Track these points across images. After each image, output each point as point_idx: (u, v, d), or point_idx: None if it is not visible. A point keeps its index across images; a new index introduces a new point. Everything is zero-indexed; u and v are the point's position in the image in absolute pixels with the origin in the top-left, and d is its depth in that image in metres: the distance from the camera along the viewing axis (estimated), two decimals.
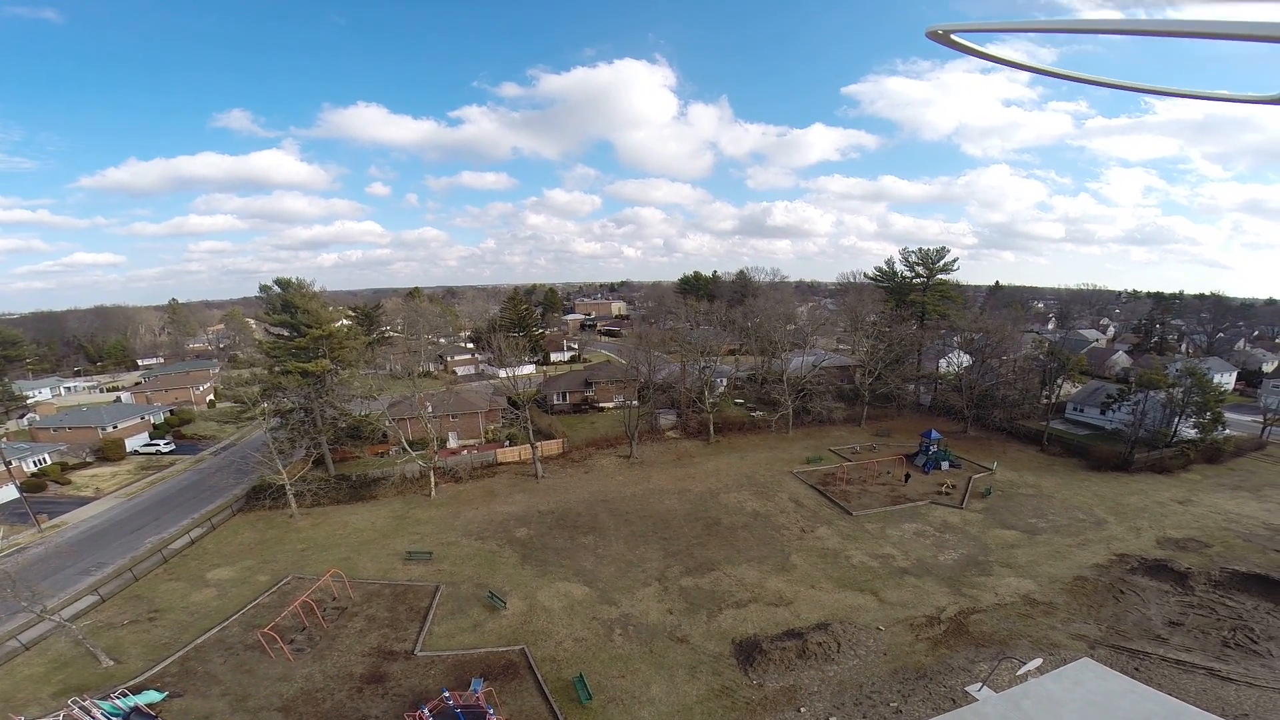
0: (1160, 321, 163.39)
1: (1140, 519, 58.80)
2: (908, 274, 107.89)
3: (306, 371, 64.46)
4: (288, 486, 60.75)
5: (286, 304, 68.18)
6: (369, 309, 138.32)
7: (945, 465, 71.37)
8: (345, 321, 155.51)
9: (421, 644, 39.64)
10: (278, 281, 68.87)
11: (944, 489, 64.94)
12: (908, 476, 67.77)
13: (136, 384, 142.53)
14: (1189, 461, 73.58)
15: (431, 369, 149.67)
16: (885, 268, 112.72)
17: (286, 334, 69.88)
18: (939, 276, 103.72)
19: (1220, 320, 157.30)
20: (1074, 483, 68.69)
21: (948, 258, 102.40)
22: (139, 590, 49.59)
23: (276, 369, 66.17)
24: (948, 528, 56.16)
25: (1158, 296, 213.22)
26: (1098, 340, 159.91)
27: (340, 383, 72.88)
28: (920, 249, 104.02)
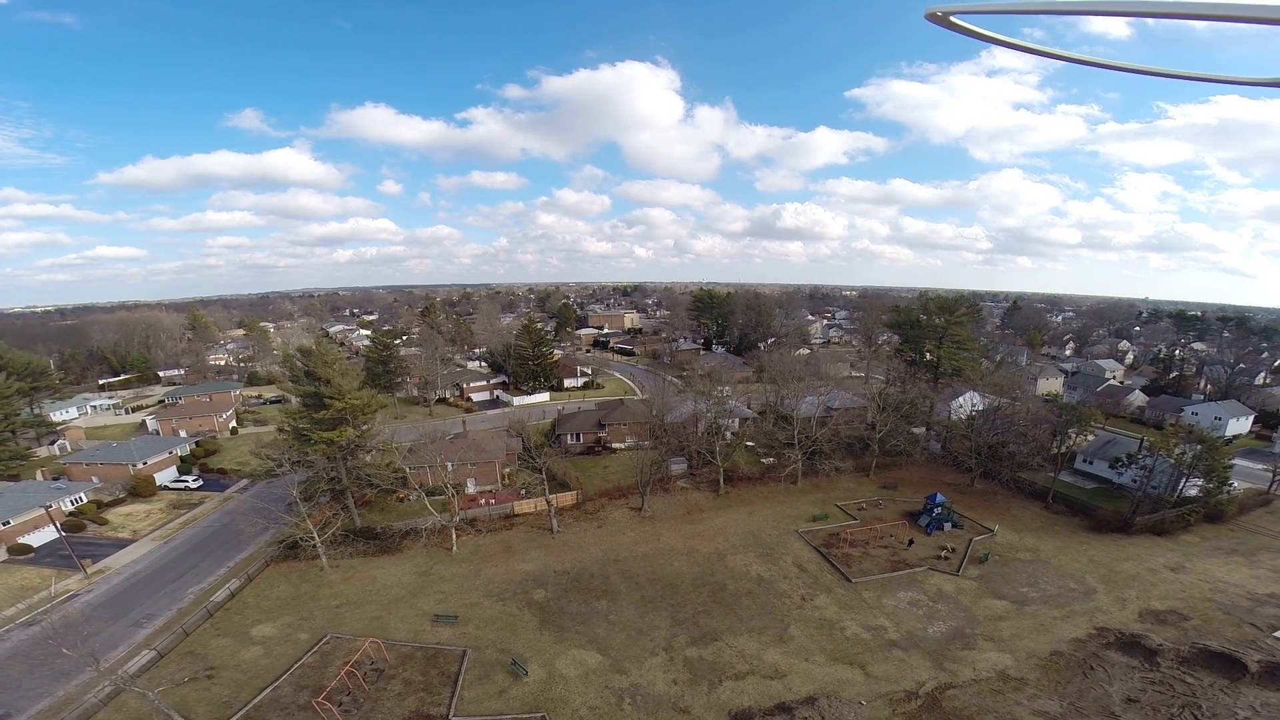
0: (1180, 353, 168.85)
1: (1129, 588, 65.60)
2: (924, 318, 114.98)
3: (331, 440, 73.07)
4: (319, 546, 69.23)
5: (309, 373, 76.78)
6: (387, 338, 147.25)
7: (948, 526, 78.36)
8: (366, 339, 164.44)
9: (454, 709, 47.68)
10: (300, 349, 77.41)
11: (944, 553, 72.04)
12: (911, 541, 74.87)
13: (160, 403, 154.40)
14: (1189, 525, 79.88)
15: (448, 396, 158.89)
16: (902, 316, 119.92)
17: (310, 400, 78.26)
18: (954, 328, 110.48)
19: (1242, 346, 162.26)
20: (1072, 546, 75.45)
21: (963, 309, 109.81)
22: (191, 646, 58.08)
23: (303, 441, 74.68)
24: (941, 597, 63.37)
25: (1179, 317, 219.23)
26: (1113, 377, 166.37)
27: (363, 437, 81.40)
28: (939, 296, 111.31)
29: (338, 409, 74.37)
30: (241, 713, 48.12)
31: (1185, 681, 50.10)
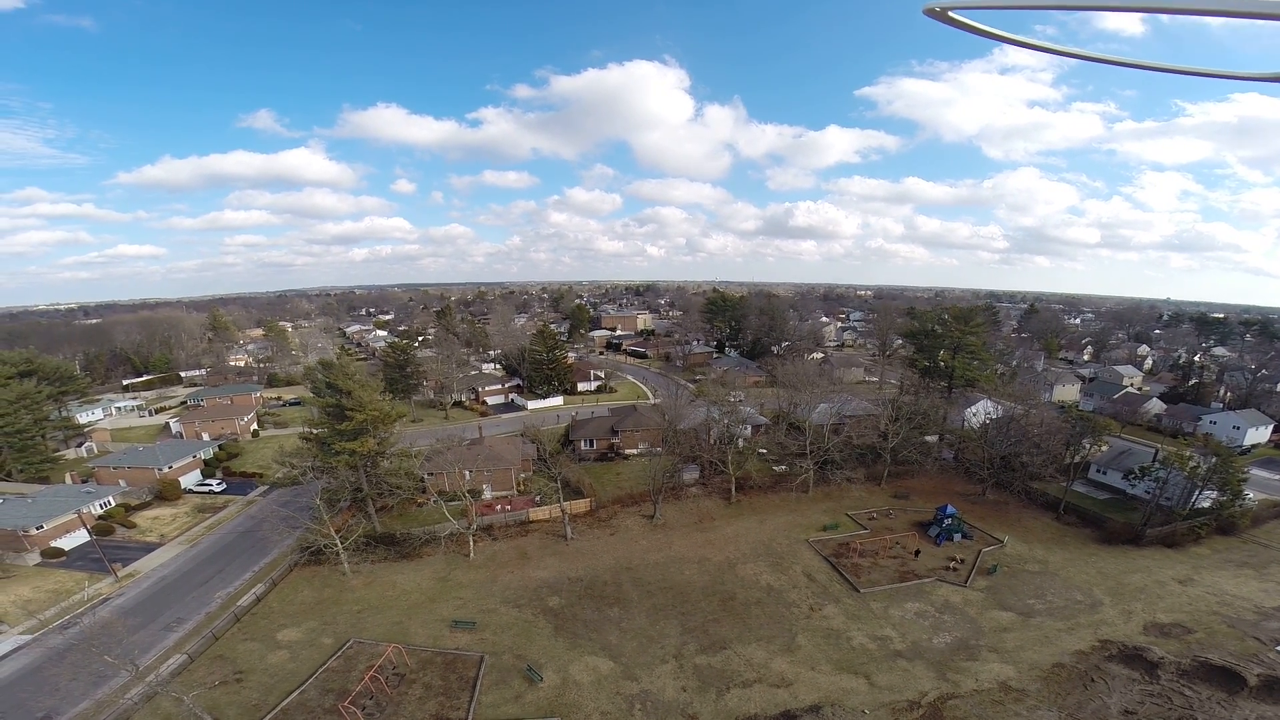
0: (1200, 359, 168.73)
1: (1136, 600, 67.23)
2: (938, 329, 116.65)
3: (353, 450, 76.53)
4: (341, 553, 72.51)
5: (331, 385, 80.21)
6: (404, 340, 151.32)
7: (957, 537, 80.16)
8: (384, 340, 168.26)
9: (473, 714, 50.54)
10: (321, 362, 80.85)
11: (952, 565, 73.98)
12: (918, 552, 76.82)
13: (183, 405, 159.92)
14: (1201, 537, 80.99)
15: (464, 400, 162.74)
16: (917, 324, 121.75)
17: (332, 411, 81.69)
18: (969, 338, 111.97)
19: (1264, 352, 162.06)
20: (1081, 558, 77.03)
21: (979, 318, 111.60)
22: (220, 650, 61.40)
23: (326, 451, 78.18)
24: (948, 608, 65.39)
25: (1201, 320, 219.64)
26: (1131, 384, 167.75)
27: (384, 445, 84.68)
28: (955, 307, 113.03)
29: (359, 420, 77.64)
30: (270, 716, 51.23)
31: (1183, 694, 51.89)
